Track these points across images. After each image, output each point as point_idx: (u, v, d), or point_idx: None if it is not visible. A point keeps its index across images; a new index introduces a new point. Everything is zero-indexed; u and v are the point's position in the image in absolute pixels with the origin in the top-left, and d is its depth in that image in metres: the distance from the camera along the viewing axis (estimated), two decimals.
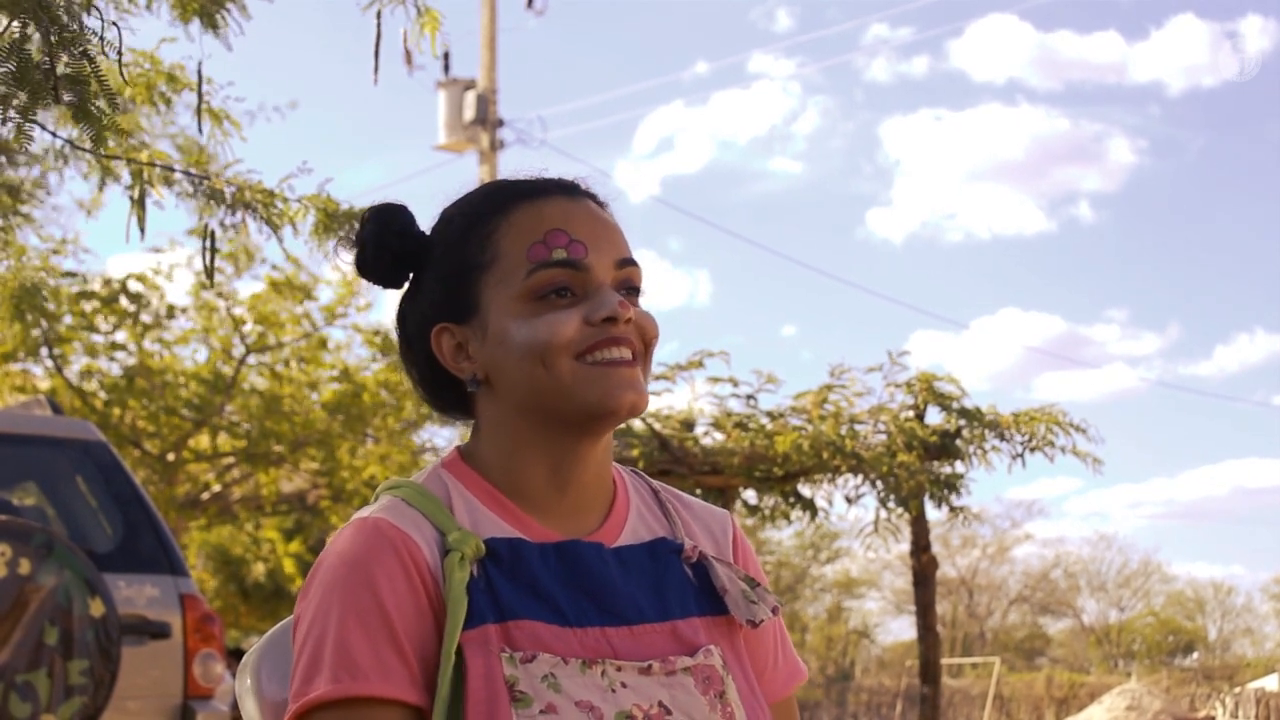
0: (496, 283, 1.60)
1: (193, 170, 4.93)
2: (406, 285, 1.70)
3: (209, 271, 5.17)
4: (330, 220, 4.94)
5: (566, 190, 1.66)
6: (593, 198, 1.68)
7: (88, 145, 4.29)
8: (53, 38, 3.73)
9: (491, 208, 1.65)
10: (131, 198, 4.80)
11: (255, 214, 4.93)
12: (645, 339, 1.61)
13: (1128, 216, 49.78)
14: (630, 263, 1.63)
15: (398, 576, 1.53)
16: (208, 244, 5.03)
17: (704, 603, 1.64)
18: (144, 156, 4.86)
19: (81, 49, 3.84)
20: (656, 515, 1.72)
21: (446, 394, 1.69)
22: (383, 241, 1.67)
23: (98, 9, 4.00)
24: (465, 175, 20.84)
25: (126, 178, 4.84)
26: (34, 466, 6.56)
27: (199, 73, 4.80)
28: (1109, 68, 47.97)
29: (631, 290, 1.63)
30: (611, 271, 1.61)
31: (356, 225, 1.71)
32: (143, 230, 4.83)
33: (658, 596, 1.61)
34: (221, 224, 5.02)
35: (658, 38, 52.40)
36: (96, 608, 5.03)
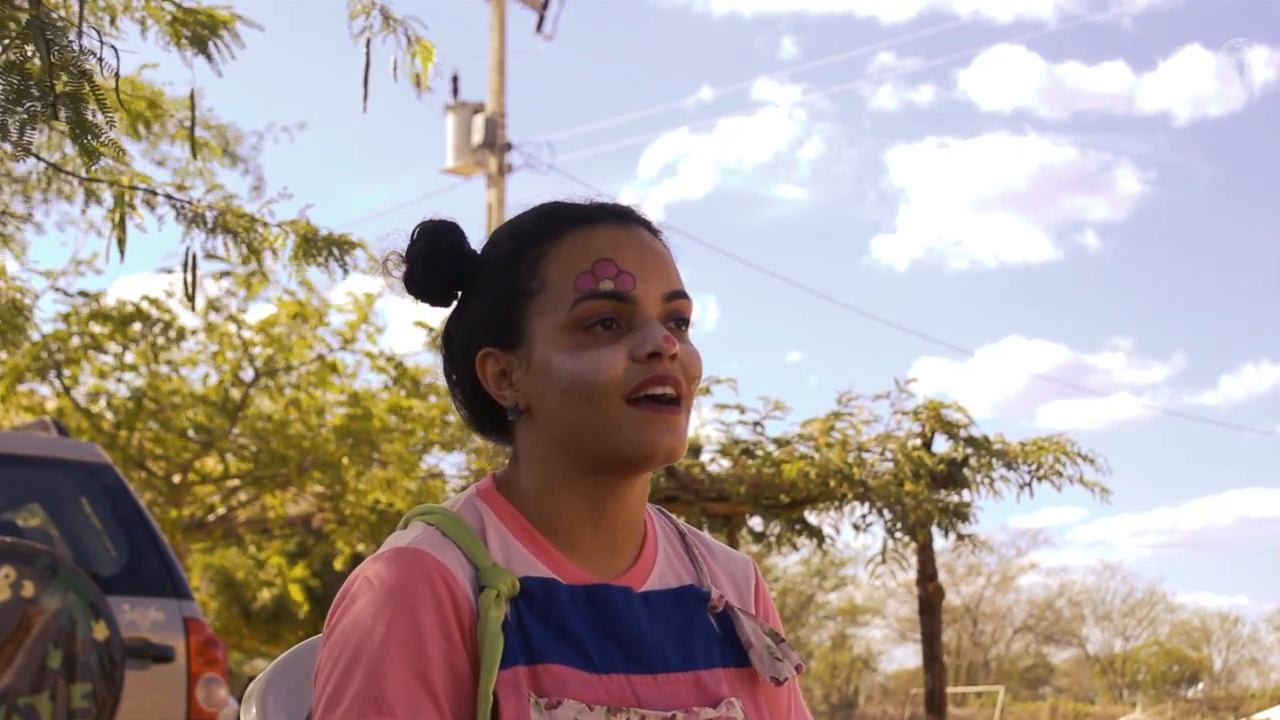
0: (543, 311, 1.57)
1: (173, 193, 4.93)
2: (454, 304, 1.68)
3: (190, 295, 5.17)
4: (309, 245, 4.95)
5: (619, 217, 1.62)
6: (646, 225, 1.64)
7: (80, 164, 4.30)
8: (52, 57, 3.73)
9: (542, 232, 1.61)
10: (112, 221, 4.80)
11: (236, 238, 4.93)
12: (689, 376, 1.57)
13: (1134, 245, 49.88)
14: (680, 295, 1.60)
15: (433, 609, 1.50)
16: (188, 267, 5.03)
17: (728, 654, 1.62)
18: (125, 179, 4.87)
19: (79, 68, 3.84)
20: (683, 559, 1.69)
21: (488, 418, 1.66)
22: (433, 260, 1.64)
23: (99, 35, 4.01)
24: (473, 199, 20.87)
25: (109, 200, 4.84)
26: (39, 488, 6.55)
27: (191, 100, 4.80)
28: (1117, 97, 48.13)
29: (681, 322, 1.60)
30: (659, 304, 1.57)
31: (409, 239, 1.66)
32: (122, 253, 4.84)
33: (683, 645, 1.59)
34: (203, 248, 5.03)
35: (664, 64, 52.59)
36: (100, 631, 5.01)
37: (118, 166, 4.81)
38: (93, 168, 4.45)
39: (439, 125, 20.16)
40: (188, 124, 4.85)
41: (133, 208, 4.77)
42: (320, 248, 4.93)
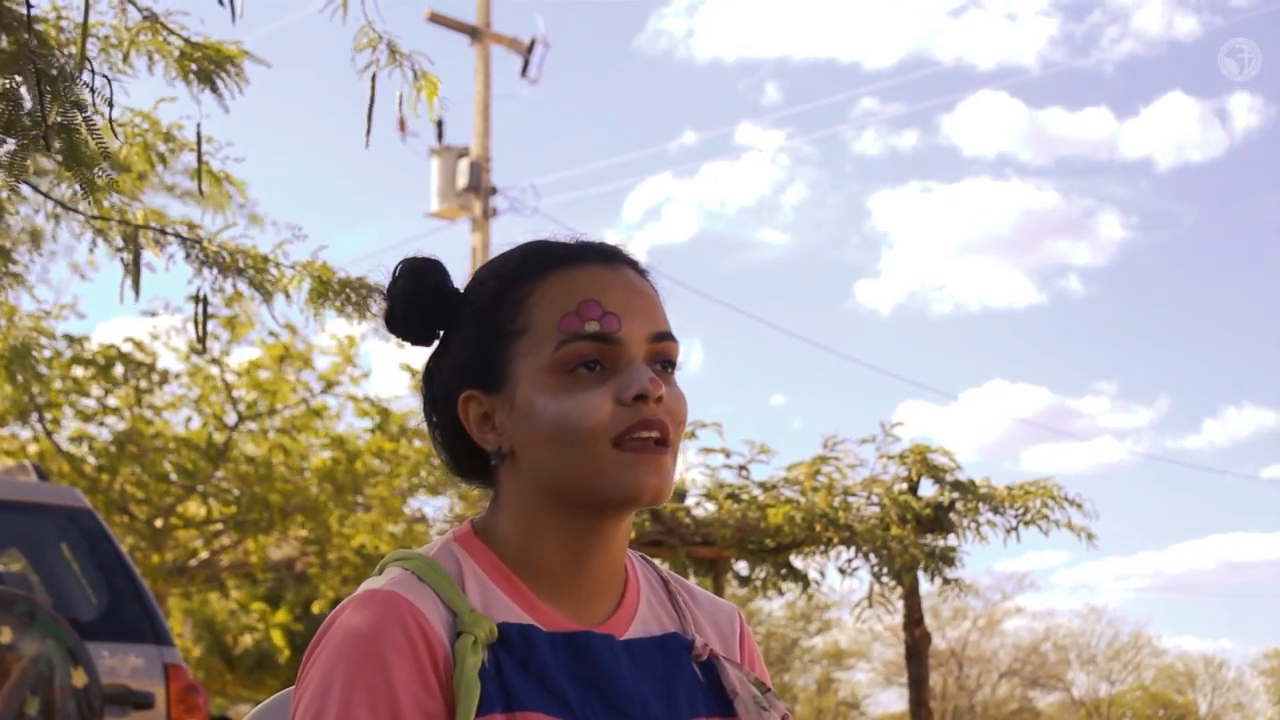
0: (526, 353, 1.54)
1: (185, 233, 4.89)
2: (436, 343, 1.64)
3: (201, 338, 5.13)
4: (325, 289, 4.89)
5: (605, 257, 1.59)
6: (632, 265, 1.61)
7: (80, 198, 4.26)
8: (45, 89, 3.70)
9: (526, 271, 1.58)
10: (123, 260, 4.76)
11: (248, 280, 4.89)
12: (675, 419, 1.54)
13: (1117, 290, 49.88)
14: (666, 336, 1.57)
15: (407, 654, 1.46)
16: (200, 309, 4.98)
17: (712, 703, 1.59)
18: (139, 217, 4.83)
19: (72, 99, 3.81)
20: (666, 607, 1.66)
21: (469, 461, 1.62)
22: (414, 300, 1.61)
23: (90, 65, 3.98)
24: (458, 242, 20.87)
25: (118, 240, 4.80)
26: (19, 533, 6.50)
27: (198, 134, 4.77)
28: (1099, 143, 48.13)
29: (667, 364, 1.57)
30: (645, 345, 1.54)
31: (391, 276, 1.63)
32: (137, 292, 4.79)
33: (666, 694, 1.56)
34: (214, 289, 4.98)
35: (647, 109, 52.58)
36: (79, 677, 4.95)
37: (129, 203, 4.77)
38: (103, 205, 4.42)
39: (423, 169, 20.19)
40: (202, 160, 4.79)
41: (146, 245, 4.73)
42: (337, 291, 4.88)
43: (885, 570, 8.22)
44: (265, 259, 4.91)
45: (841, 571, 8.60)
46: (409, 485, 15.73)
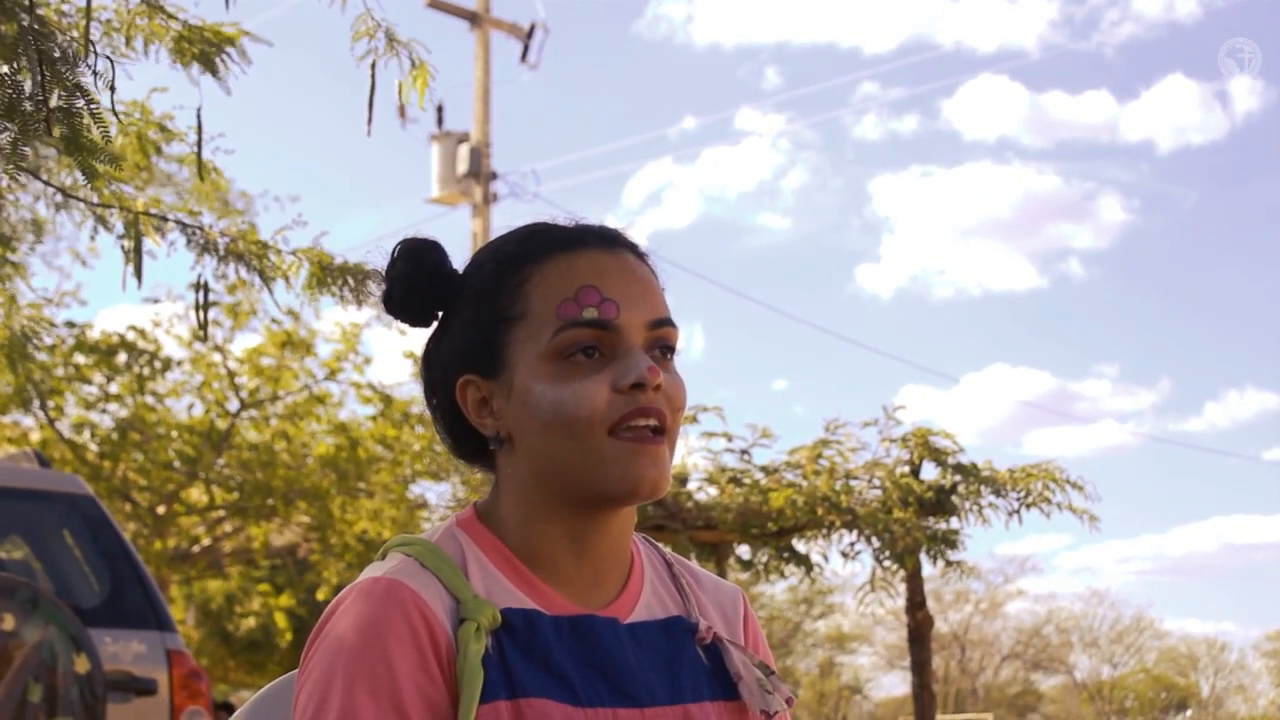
0: (525, 339, 1.52)
1: (186, 219, 4.88)
2: (435, 325, 1.63)
3: (203, 324, 5.12)
4: (324, 274, 4.88)
5: (605, 241, 1.57)
6: (632, 249, 1.59)
7: (81, 183, 4.25)
8: (46, 73, 3.69)
9: (525, 255, 1.56)
10: (124, 248, 4.75)
11: (249, 266, 4.88)
12: (673, 406, 1.53)
13: (1119, 273, 49.99)
14: (665, 322, 1.55)
15: (409, 643, 1.46)
16: (201, 296, 4.98)
17: (716, 687, 1.58)
18: (139, 205, 4.82)
19: (74, 82, 3.79)
20: (670, 590, 1.65)
21: (469, 444, 1.61)
22: (412, 281, 1.59)
23: (94, 47, 3.97)
24: (459, 228, 20.87)
25: (119, 227, 4.80)
26: (20, 520, 6.49)
27: (198, 119, 4.75)
28: (1100, 127, 48.25)
29: (666, 350, 1.55)
30: (644, 332, 1.53)
31: (389, 258, 1.62)
32: (139, 280, 4.79)
33: (670, 677, 1.55)
34: (216, 275, 4.97)
35: (648, 94, 52.66)
36: (81, 664, 4.95)
37: (129, 190, 4.76)
38: (104, 192, 4.40)
39: (424, 154, 20.19)
40: (194, 148, 4.77)
41: (146, 233, 4.72)
42: (336, 276, 4.87)
43: (887, 553, 8.21)
44: (265, 245, 4.91)
45: (844, 555, 8.59)
46: (412, 472, 15.73)
